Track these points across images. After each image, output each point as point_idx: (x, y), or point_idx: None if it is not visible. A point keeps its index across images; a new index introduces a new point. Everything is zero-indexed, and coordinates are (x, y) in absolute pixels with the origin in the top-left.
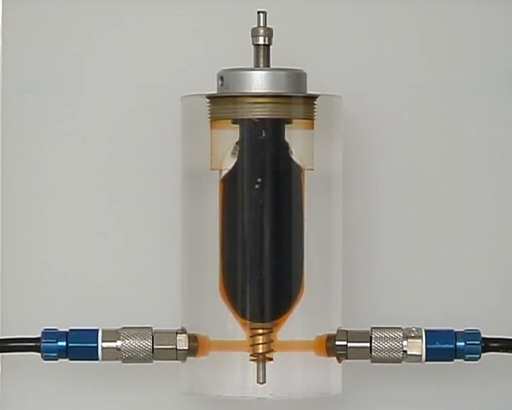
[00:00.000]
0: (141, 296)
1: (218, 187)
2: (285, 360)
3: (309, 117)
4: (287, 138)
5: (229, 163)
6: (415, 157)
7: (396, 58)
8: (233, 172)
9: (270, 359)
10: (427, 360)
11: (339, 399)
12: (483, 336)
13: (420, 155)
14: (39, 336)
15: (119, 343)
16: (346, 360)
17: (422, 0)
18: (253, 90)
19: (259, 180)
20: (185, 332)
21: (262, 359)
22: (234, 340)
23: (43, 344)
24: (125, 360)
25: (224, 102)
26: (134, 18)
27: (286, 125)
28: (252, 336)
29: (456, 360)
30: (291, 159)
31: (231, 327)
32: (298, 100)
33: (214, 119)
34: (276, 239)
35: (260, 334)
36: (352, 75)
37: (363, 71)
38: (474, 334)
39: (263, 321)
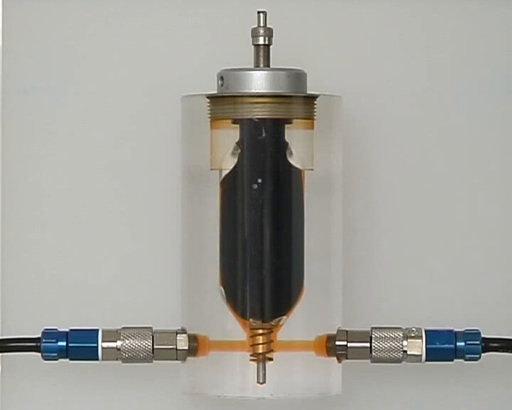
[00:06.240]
0: (141, 296)
1: (218, 187)
2: (285, 360)
3: (309, 117)
4: (287, 138)
5: (229, 163)
6: (415, 157)
7: (396, 58)
8: (233, 172)
9: (270, 359)
10: (427, 360)
11: (339, 399)
12: (483, 336)
13: (420, 154)
14: (39, 336)
15: (119, 343)
16: (346, 360)
17: (423, 0)
18: (253, 90)
19: (259, 181)
20: (185, 332)
21: (262, 359)
22: (234, 340)
23: (43, 344)
24: (125, 360)
25: (224, 102)
26: (134, 18)
27: (286, 125)
28: (252, 336)
29: (456, 360)
30: (291, 159)
31: (231, 327)
32: (298, 100)
33: (214, 119)
34: (276, 239)
35: (260, 334)
36: (352, 75)
37: (363, 71)
38: (474, 334)
39: (263, 321)
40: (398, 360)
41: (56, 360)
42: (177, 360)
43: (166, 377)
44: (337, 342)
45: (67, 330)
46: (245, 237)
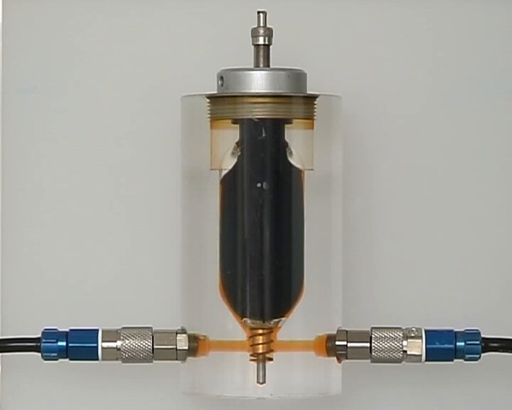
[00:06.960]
0: (141, 296)
1: (218, 187)
2: (285, 360)
3: (309, 117)
4: (287, 138)
5: (229, 163)
6: (415, 157)
7: (396, 58)
8: (233, 172)
9: (270, 359)
10: (427, 360)
11: (339, 399)
12: (483, 336)
13: (420, 154)
14: (39, 336)
15: (119, 343)
16: (346, 360)
17: (423, 1)
18: (253, 90)
19: (259, 186)
20: (185, 332)
21: (262, 359)
22: (234, 340)
23: (43, 344)
24: (125, 360)
25: (224, 102)
26: (134, 19)
27: (286, 125)
28: (252, 337)
29: (456, 360)
30: (291, 159)
31: (231, 327)
32: (298, 100)
33: (214, 119)
34: (276, 239)
35: (260, 334)
36: (352, 75)
37: (363, 71)
38: (474, 334)
39: (263, 322)
40: (398, 360)
41: (56, 360)
42: (177, 360)
43: (166, 377)
44: (337, 342)
45: (67, 330)
46: (245, 237)
